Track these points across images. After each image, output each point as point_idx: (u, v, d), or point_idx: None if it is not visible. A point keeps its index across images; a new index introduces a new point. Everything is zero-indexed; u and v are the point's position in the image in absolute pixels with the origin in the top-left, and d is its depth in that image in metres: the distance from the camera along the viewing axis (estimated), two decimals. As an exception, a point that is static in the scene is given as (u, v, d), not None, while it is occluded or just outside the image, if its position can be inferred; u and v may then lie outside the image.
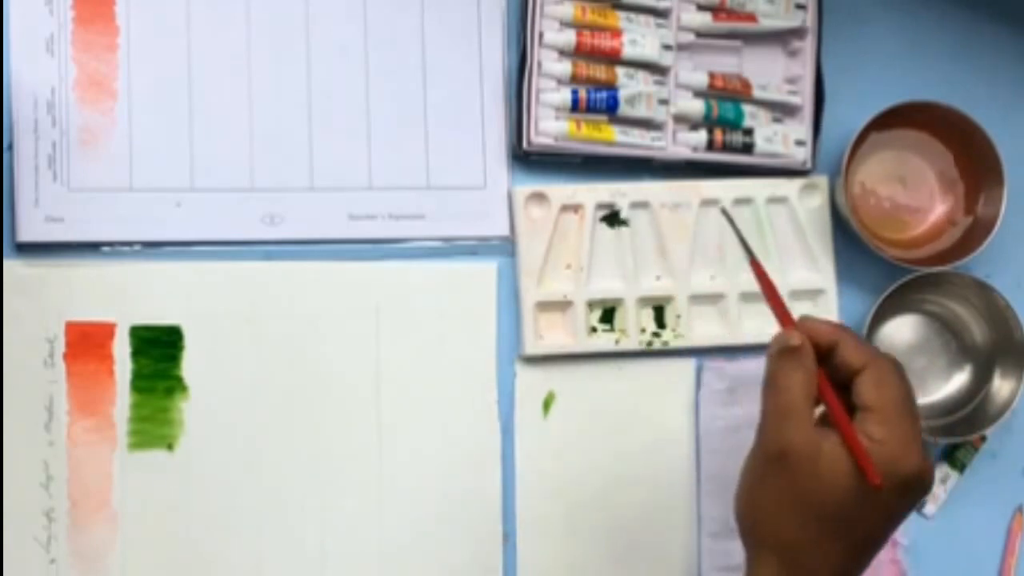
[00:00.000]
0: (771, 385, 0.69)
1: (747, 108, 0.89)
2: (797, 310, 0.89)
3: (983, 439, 0.93)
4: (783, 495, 0.67)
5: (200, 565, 0.82)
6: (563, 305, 0.87)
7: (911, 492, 0.68)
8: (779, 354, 0.69)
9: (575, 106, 0.86)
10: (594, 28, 0.86)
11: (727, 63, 0.90)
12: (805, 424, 0.67)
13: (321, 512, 0.84)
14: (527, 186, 0.87)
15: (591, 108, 0.86)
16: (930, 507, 0.92)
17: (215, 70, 0.83)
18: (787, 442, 0.67)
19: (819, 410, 0.70)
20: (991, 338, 0.92)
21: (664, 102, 0.88)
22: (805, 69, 0.90)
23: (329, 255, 0.84)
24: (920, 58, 0.93)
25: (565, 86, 0.86)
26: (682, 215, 0.88)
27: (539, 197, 0.87)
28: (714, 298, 0.89)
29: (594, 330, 0.87)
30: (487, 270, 0.87)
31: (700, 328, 0.89)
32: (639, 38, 0.87)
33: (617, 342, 0.88)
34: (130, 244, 0.82)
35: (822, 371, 0.69)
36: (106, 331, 0.81)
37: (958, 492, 0.93)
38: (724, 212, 0.83)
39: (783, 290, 0.89)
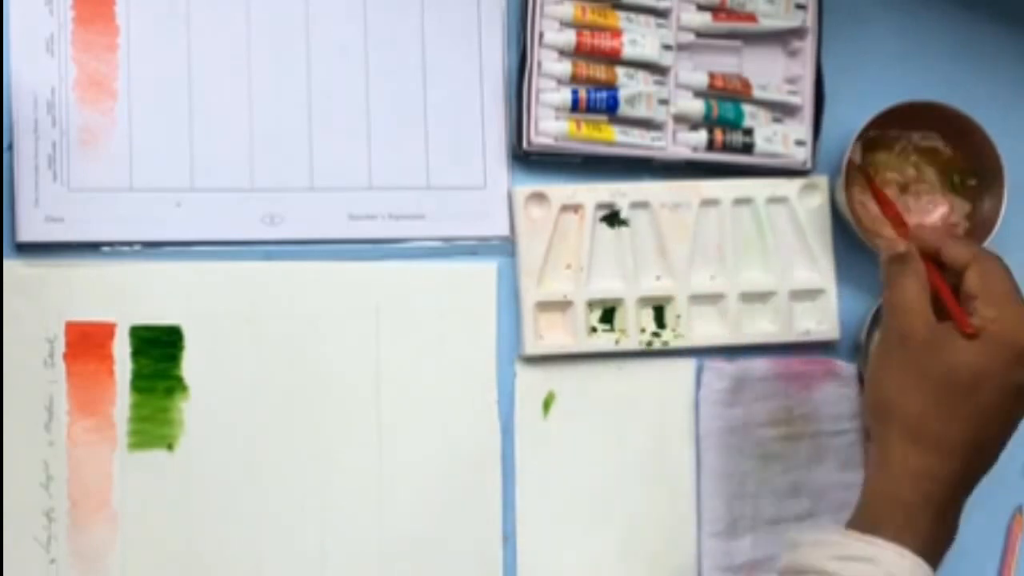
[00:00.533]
0: (887, 286, 0.77)
1: (747, 108, 0.89)
2: (797, 310, 0.90)
3: (983, 439, 0.93)
4: (907, 374, 0.73)
5: (200, 565, 0.82)
6: (563, 305, 0.87)
7: None
8: (889, 261, 0.77)
9: (575, 106, 0.86)
10: (594, 28, 0.86)
11: (727, 63, 0.90)
12: (920, 314, 0.74)
13: (321, 512, 0.84)
14: (527, 186, 0.87)
15: (591, 108, 0.86)
16: (930, 507, 0.92)
17: (215, 70, 0.83)
18: (905, 330, 0.74)
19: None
20: (991, 338, 0.92)
21: (664, 102, 0.88)
22: (805, 69, 0.90)
23: (329, 255, 0.84)
24: (920, 58, 0.93)
25: (565, 86, 0.86)
26: (682, 215, 0.88)
27: (539, 197, 0.87)
28: (714, 298, 0.89)
29: (594, 330, 0.87)
30: (487, 270, 0.87)
31: (700, 328, 0.89)
32: (639, 38, 0.87)
33: (617, 342, 0.87)
34: (130, 244, 0.82)
35: (931, 266, 0.76)
36: (106, 331, 0.81)
37: (958, 492, 0.93)
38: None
39: (783, 290, 0.89)
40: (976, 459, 0.73)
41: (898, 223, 0.85)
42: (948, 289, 0.76)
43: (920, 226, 0.83)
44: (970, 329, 0.73)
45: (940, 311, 0.75)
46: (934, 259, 0.77)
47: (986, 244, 0.89)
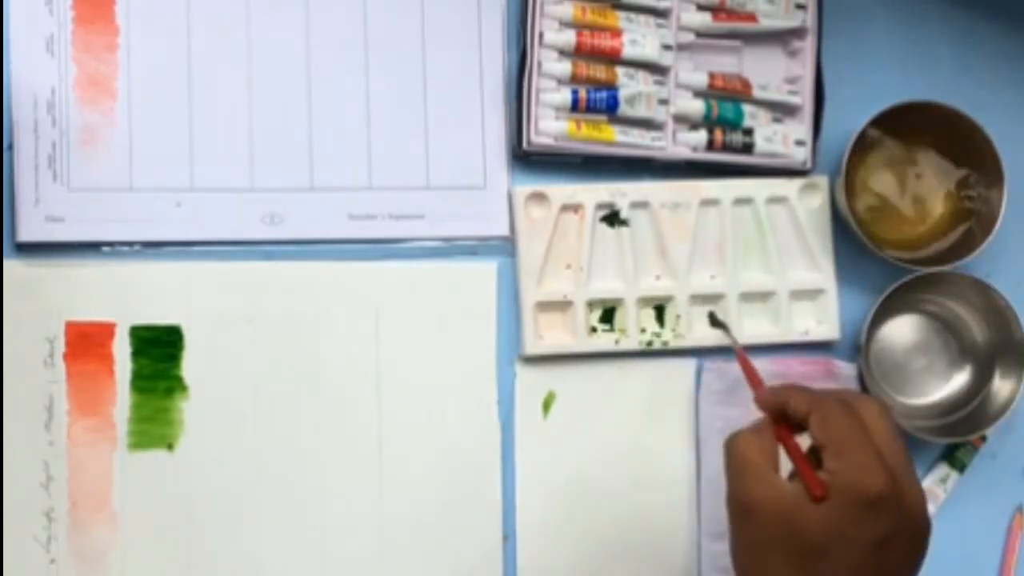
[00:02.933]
0: (725, 451, 0.71)
1: (747, 108, 0.89)
2: (797, 310, 0.90)
3: (983, 439, 0.93)
4: (759, 544, 0.68)
5: (200, 565, 0.82)
6: (563, 305, 0.87)
7: (883, 512, 0.66)
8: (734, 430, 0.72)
9: (575, 106, 0.86)
10: (594, 28, 0.86)
11: (727, 63, 0.90)
12: (763, 476, 0.68)
13: (321, 511, 0.84)
14: (527, 186, 0.87)
15: (591, 108, 0.86)
16: (930, 507, 0.92)
17: (215, 70, 0.83)
18: (746, 494, 0.68)
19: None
20: (991, 338, 0.92)
21: (664, 102, 0.88)
22: (805, 69, 0.90)
23: (329, 255, 0.84)
24: (920, 58, 0.93)
25: (565, 86, 0.86)
26: (682, 215, 0.88)
27: (539, 197, 0.87)
28: (714, 298, 0.89)
29: (594, 330, 0.87)
30: (487, 270, 0.87)
31: (700, 328, 0.89)
32: (639, 38, 0.87)
33: (617, 342, 0.88)
34: (130, 244, 0.82)
35: (783, 426, 0.71)
36: (106, 331, 0.81)
37: (958, 492, 0.93)
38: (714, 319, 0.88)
39: (783, 290, 0.89)
40: None
41: (756, 382, 0.78)
42: (798, 449, 0.70)
43: (766, 389, 0.74)
44: (819, 490, 0.66)
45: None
46: (785, 418, 0.71)
47: (986, 244, 0.89)
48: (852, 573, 0.66)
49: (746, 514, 0.68)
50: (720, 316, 0.88)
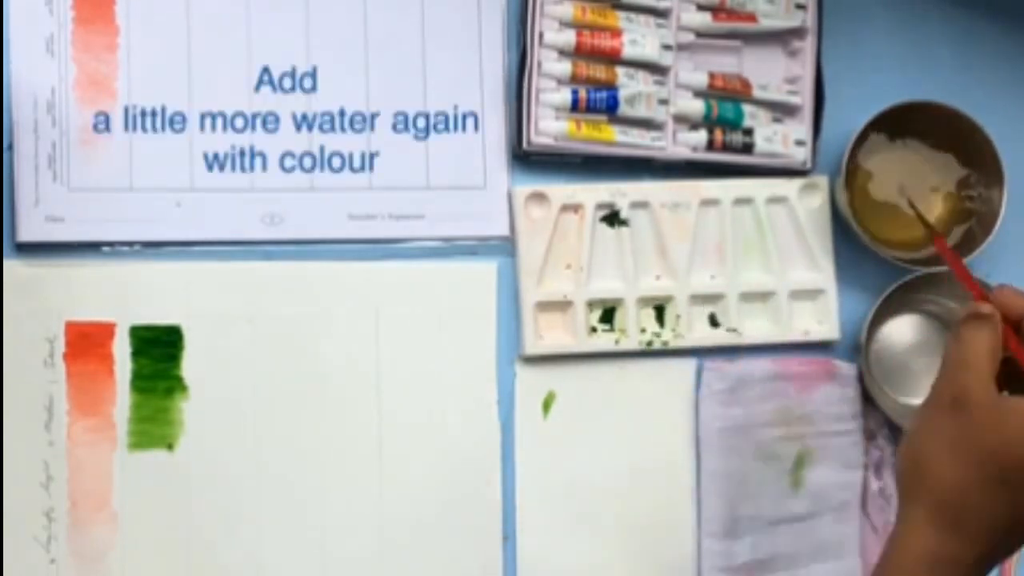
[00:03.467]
0: (954, 338, 0.68)
1: (747, 108, 0.89)
2: (797, 310, 0.90)
3: (983, 439, 0.93)
4: (952, 442, 0.65)
5: (200, 565, 0.82)
6: (563, 305, 0.87)
7: None
8: (965, 319, 0.68)
9: (575, 106, 0.86)
10: (594, 28, 0.86)
11: (727, 63, 0.90)
12: (984, 377, 0.65)
13: (321, 512, 0.84)
14: (527, 186, 0.87)
15: (591, 108, 0.86)
16: (930, 507, 0.92)
17: (215, 70, 0.83)
18: (962, 389, 0.65)
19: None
20: (991, 338, 0.92)
21: (664, 102, 0.88)
22: (805, 69, 0.90)
23: (329, 255, 0.84)
24: (920, 58, 0.93)
25: (565, 86, 0.86)
26: (682, 215, 0.88)
27: (539, 197, 0.87)
28: (714, 298, 0.89)
29: (594, 330, 0.87)
30: (487, 270, 0.87)
31: (700, 328, 0.89)
32: (639, 38, 0.87)
33: (617, 342, 0.87)
34: (130, 244, 0.82)
35: (1011, 332, 0.68)
36: (106, 331, 0.81)
37: (958, 492, 0.93)
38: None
39: (783, 290, 0.89)
40: (1005, 544, 0.65)
41: (978, 291, 0.72)
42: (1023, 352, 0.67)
43: (1005, 290, 0.69)
44: None
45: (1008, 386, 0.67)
46: (1016, 327, 0.68)
47: (986, 244, 0.89)
48: None
49: (955, 408, 0.65)
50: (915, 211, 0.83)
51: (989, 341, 0.66)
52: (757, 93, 0.89)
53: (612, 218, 0.88)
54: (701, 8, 0.88)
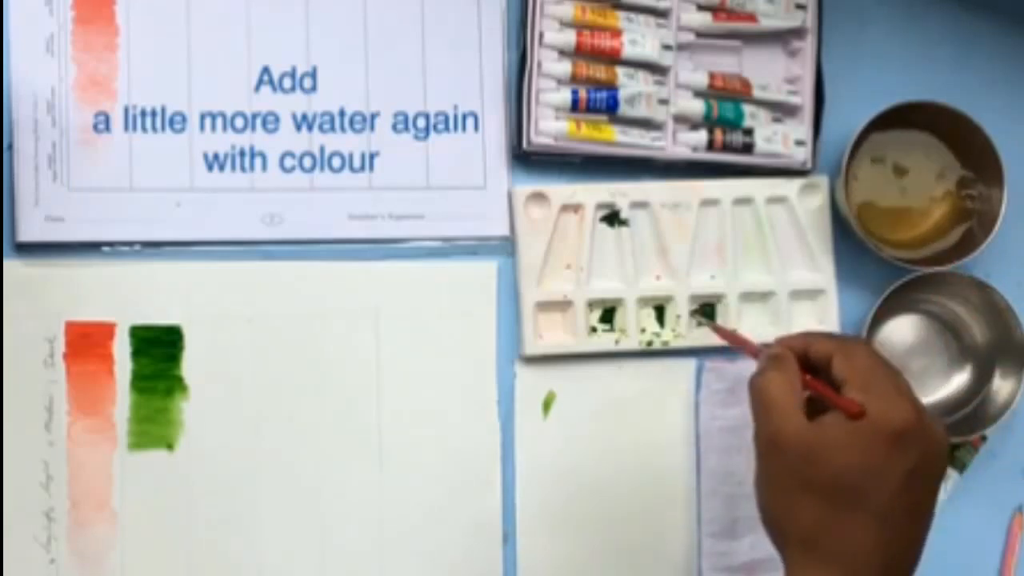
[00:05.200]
0: (752, 388, 0.71)
1: (747, 108, 0.89)
2: (797, 310, 0.90)
3: (983, 439, 0.93)
4: (787, 483, 0.67)
5: (200, 565, 0.82)
6: (563, 305, 0.87)
7: (911, 444, 0.66)
8: (758, 367, 0.72)
9: (575, 106, 0.86)
10: (594, 28, 0.86)
11: (727, 63, 0.90)
12: (789, 411, 0.68)
13: (321, 511, 0.84)
14: (527, 186, 0.87)
15: (591, 108, 0.86)
16: (930, 507, 0.92)
17: (215, 70, 0.83)
18: (775, 430, 0.68)
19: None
20: (991, 338, 0.92)
21: (664, 102, 0.88)
22: (805, 69, 0.90)
23: (329, 255, 0.84)
24: (920, 58, 0.93)
25: (565, 86, 0.86)
26: (682, 215, 0.88)
27: (539, 197, 0.87)
28: (714, 298, 0.89)
29: (594, 330, 0.87)
30: (487, 270, 0.87)
31: (700, 328, 0.89)
32: (639, 38, 0.87)
33: (617, 342, 0.88)
34: (130, 244, 0.82)
35: (801, 368, 0.71)
36: (106, 331, 0.81)
37: (958, 492, 0.93)
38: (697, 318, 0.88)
39: (783, 290, 0.89)
40: (895, 564, 0.67)
41: (752, 349, 0.76)
42: (821, 382, 0.70)
43: (783, 338, 0.74)
44: (855, 407, 0.66)
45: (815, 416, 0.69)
46: (802, 363, 0.71)
47: (986, 244, 0.89)
48: (882, 508, 0.66)
49: (774, 450, 0.68)
50: (697, 318, 0.88)
51: (783, 377, 0.69)
52: (757, 93, 0.89)
53: (612, 218, 0.88)
54: (701, 8, 0.88)
